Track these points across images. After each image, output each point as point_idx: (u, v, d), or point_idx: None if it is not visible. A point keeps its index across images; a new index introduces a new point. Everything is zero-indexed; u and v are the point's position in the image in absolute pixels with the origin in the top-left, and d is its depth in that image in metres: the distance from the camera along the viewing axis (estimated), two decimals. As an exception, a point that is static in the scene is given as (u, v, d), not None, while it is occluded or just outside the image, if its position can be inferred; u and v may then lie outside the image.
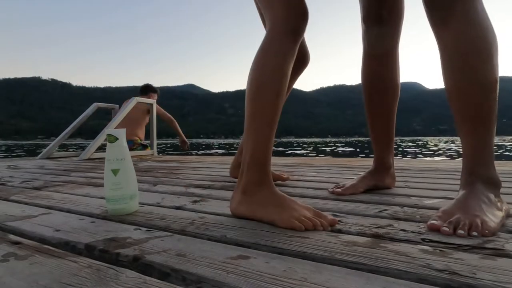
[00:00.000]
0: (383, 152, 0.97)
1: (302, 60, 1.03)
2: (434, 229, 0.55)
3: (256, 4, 0.88)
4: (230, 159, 2.40)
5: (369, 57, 0.94)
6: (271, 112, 0.67)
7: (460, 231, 0.52)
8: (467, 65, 0.64)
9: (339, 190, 0.89)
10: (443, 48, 0.68)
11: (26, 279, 0.39)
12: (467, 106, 0.66)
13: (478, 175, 0.64)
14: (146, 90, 3.36)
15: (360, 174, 0.97)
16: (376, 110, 0.96)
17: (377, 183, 0.95)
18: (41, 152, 2.85)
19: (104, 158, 0.91)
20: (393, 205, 0.76)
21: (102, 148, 2.76)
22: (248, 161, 0.66)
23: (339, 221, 0.62)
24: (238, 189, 0.67)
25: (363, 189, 0.91)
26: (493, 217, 0.57)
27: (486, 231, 0.52)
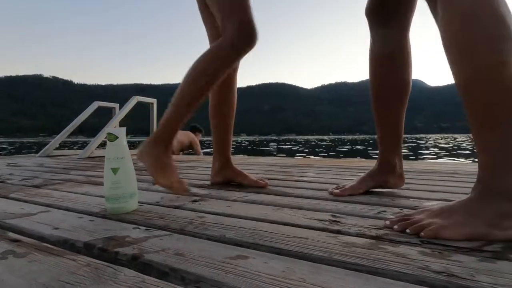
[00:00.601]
0: (388, 152, 0.92)
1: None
2: (387, 226, 0.58)
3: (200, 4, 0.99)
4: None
5: (374, 54, 0.89)
6: (192, 103, 0.87)
7: (407, 230, 0.55)
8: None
9: (338, 191, 0.89)
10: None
11: (24, 276, 0.39)
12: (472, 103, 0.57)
13: (485, 183, 0.55)
14: (194, 129, 4.28)
15: (359, 175, 0.97)
16: (382, 108, 0.91)
17: (380, 183, 0.92)
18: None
19: (104, 156, 0.91)
20: (393, 206, 0.76)
21: (103, 145, 2.76)
22: (163, 126, 0.88)
23: (337, 221, 0.62)
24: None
25: (363, 190, 0.90)
26: (461, 228, 0.52)
27: (423, 234, 0.52)
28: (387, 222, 0.60)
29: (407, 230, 0.55)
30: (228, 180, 1.08)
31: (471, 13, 0.53)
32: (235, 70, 1.07)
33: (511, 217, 0.51)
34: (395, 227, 0.57)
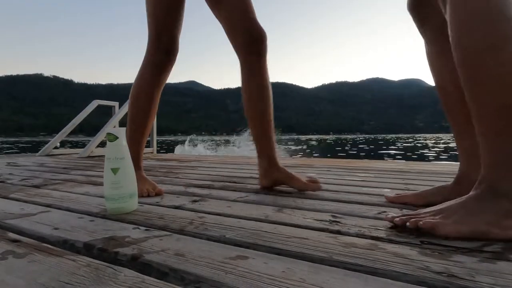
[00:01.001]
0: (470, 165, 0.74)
1: (253, 37, 0.97)
2: (387, 219, 0.59)
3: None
4: (229, 159, 2.40)
5: (428, 51, 0.79)
6: (139, 121, 1.00)
7: (407, 223, 0.55)
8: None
9: (392, 196, 0.81)
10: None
11: (24, 277, 0.39)
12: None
13: (488, 182, 0.54)
14: None
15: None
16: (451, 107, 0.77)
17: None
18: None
19: (104, 155, 0.92)
20: (393, 207, 0.76)
21: (103, 143, 2.76)
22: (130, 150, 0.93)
23: (337, 222, 0.62)
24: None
25: (422, 203, 0.74)
26: (460, 226, 0.51)
27: (421, 224, 0.53)
28: (389, 216, 0.60)
29: (407, 224, 0.55)
30: (277, 183, 0.99)
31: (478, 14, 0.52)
32: (259, 60, 0.98)
33: (510, 217, 0.50)
34: (396, 219, 0.57)
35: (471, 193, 0.56)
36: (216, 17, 1.00)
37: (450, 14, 0.56)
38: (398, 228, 0.57)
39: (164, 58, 0.98)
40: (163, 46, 0.96)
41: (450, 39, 0.57)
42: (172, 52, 0.98)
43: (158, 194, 0.91)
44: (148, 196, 0.87)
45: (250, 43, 0.97)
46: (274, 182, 0.99)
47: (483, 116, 0.54)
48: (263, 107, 0.98)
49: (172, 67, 1.01)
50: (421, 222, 0.53)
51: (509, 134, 0.52)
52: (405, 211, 0.70)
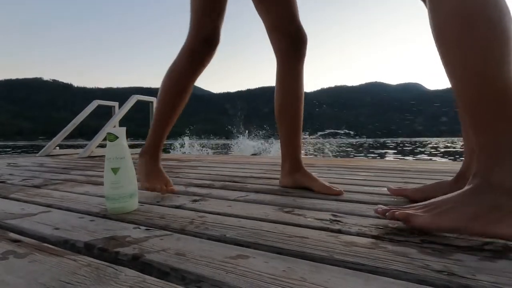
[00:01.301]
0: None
1: (294, 40, 0.98)
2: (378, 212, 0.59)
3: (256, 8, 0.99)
4: (229, 159, 2.40)
5: None
6: (167, 114, 0.98)
7: (386, 214, 0.57)
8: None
9: (394, 188, 0.84)
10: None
11: (25, 277, 0.39)
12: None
13: (481, 175, 0.52)
14: None
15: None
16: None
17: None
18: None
19: (104, 155, 0.92)
20: (393, 205, 0.76)
21: (102, 146, 2.76)
22: (149, 141, 1.00)
23: (338, 221, 0.62)
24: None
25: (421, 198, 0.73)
26: (437, 218, 0.51)
27: (397, 214, 0.54)
28: (379, 209, 0.60)
29: (386, 214, 0.56)
30: (297, 184, 0.99)
31: (463, 13, 0.51)
32: (299, 63, 0.99)
33: (498, 212, 0.48)
34: (378, 209, 0.58)
35: (464, 188, 0.54)
36: (259, 14, 0.99)
37: None
38: (397, 227, 0.57)
39: (204, 48, 0.94)
40: (204, 35, 0.93)
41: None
42: (213, 42, 0.94)
43: (170, 192, 0.89)
44: (159, 192, 0.86)
45: (292, 47, 0.97)
46: (295, 183, 1.00)
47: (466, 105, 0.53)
48: (296, 110, 1.00)
49: (210, 59, 0.97)
50: (397, 213, 0.53)
51: (492, 125, 0.50)
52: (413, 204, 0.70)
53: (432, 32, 0.56)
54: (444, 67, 0.55)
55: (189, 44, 0.94)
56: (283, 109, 1.01)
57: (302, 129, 1.03)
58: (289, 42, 0.96)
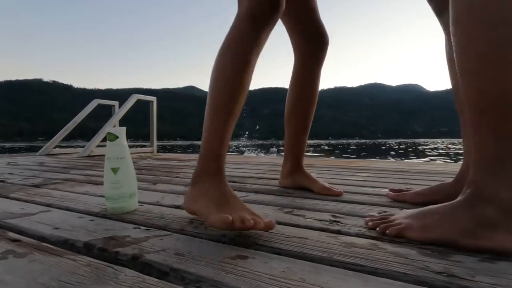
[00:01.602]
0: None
1: (316, 42, 0.95)
2: (369, 227, 0.58)
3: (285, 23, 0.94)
4: (229, 159, 2.40)
5: (447, 41, 0.76)
6: (229, 103, 0.65)
7: (377, 228, 0.56)
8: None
9: (393, 194, 0.83)
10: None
11: (24, 276, 0.39)
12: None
13: (476, 184, 0.50)
14: None
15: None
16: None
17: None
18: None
19: (104, 154, 0.91)
20: (393, 207, 0.76)
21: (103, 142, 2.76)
22: (203, 152, 0.65)
23: (338, 221, 0.62)
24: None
25: (421, 201, 0.75)
26: (427, 231, 0.50)
27: (388, 232, 0.53)
28: (367, 219, 0.61)
29: (377, 229, 0.56)
30: (297, 185, 0.98)
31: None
32: (318, 65, 0.97)
33: (490, 227, 0.46)
34: (369, 223, 0.58)
35: (457, 198, 0.52)
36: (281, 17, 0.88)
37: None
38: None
39: (267, 10, 0.68)
40: None
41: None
42: (277, 4, 0.69)
43: (266, 227, 0.52)
44: (240, 228, 0.51)
45: (314, 49, 0.95)
46: (294, 183, 0.99)
47: (471, 111, 0.51)
48: (308, 112, 0.98)
49: (273, 26, 0.71)
50: (387, 231, 0.54)
51: (494, 132, 0.48)
52: (405, 210, 0.70)
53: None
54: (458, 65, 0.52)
55: (246, 10, 0.67)
56: (295, 110, 0.98)
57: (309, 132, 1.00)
58: (311, 44, 0.94)
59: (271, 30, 0.71)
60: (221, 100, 0.66)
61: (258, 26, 0.68)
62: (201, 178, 0.63)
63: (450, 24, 0.52)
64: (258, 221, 0.51)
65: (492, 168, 0.48)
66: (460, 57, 0.51)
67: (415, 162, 2.04)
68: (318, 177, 0.98)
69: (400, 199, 0.81)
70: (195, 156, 2.78)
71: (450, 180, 0.77)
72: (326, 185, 0.92)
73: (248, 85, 0.69)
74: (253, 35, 0.68)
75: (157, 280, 0.38)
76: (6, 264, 0.42)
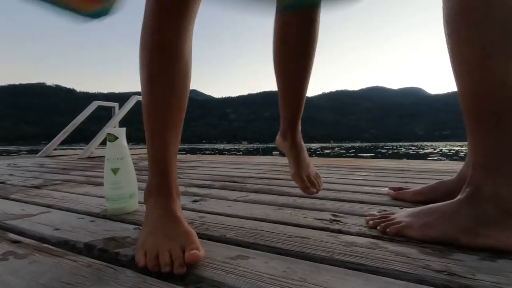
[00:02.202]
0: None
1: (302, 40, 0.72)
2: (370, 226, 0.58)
3: None
4: (229, 159, 2.40)
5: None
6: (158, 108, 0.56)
7: (377, 227, 0.56)
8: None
9: (394, 192, 0.83)
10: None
11: (25, 277, 0.39)
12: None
13: (476, 183, 0.50)
14: None
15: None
16: None
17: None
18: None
19: (104, 156, 0.91)
20: (393, 205, 0.76)
21: (103, 143, 2.76)
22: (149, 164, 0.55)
23: (338, 221, 0.62)
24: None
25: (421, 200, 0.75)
26: (428, 229, 0.50)
27: (388, 231, 0.53)
28: (368, 218, 0.61)
29: (378, 228, 0.56)
30: (283, 149, 0.82)
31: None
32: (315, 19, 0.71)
33: (490, 225, 0.46)
34: (370, 222, 0.59)
35: (457, 197, 0.53)
36: None
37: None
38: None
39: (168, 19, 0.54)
40: None
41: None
42: None
43: (189, 260, 0.41)
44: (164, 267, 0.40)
45: None
46: (282, 148, 0.82)
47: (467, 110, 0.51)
48: (308, 64, 0.73)
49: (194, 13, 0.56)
50: (388, 230, 0.54)
51: (494, 130, 0.48)
52: (405, 209, 0.70)
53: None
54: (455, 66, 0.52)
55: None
56: (292, 61, 0.73)
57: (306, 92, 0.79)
58: None
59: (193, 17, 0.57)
60: (151, 109, 0.60)
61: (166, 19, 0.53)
62: (152, 195, 0.55)
63: (443, 25, 0.53)
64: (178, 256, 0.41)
65: (492, 167, 0.48)
66: (452, 59, 0.52)
67: (415, 161, 2.04)
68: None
69: (400, 197, 0.81)
70: (195, 157, 2.78)
71: (449, 178, 0.77)
72: (305, 178, 0.74)
73: (182, 86, 0.59)
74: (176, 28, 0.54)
75: (157, 280, 0.38)
76: (7, 265, 0.42)
